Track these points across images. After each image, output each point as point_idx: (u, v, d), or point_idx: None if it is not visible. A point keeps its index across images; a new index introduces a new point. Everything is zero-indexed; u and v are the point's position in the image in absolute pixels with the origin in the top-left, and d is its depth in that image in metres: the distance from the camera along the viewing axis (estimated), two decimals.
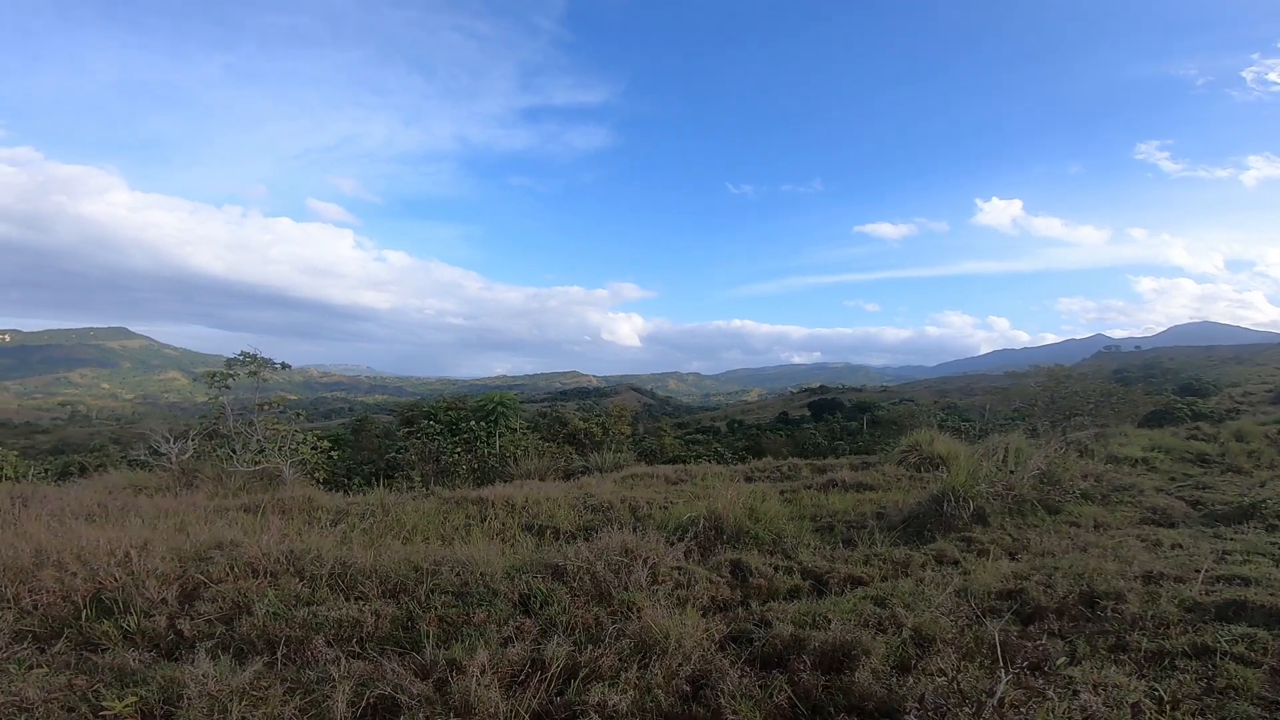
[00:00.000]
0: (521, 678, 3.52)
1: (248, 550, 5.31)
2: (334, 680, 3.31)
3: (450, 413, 26.32)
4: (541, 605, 4.81)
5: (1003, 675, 2.93)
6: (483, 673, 3.38)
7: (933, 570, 5.70)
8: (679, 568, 5.80)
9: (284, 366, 17.80)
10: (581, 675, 3.55)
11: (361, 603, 4.61)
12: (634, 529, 8.31)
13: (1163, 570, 4.93)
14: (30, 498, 8.82)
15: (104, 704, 3.14)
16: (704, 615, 4.65)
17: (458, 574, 5.25)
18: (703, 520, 7.67)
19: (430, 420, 25.69)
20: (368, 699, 3.24)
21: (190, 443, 14.95)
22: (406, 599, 4.79)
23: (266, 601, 4.40)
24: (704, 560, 6.33)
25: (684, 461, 23.02)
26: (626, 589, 5.20)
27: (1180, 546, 6.23)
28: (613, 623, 4.24)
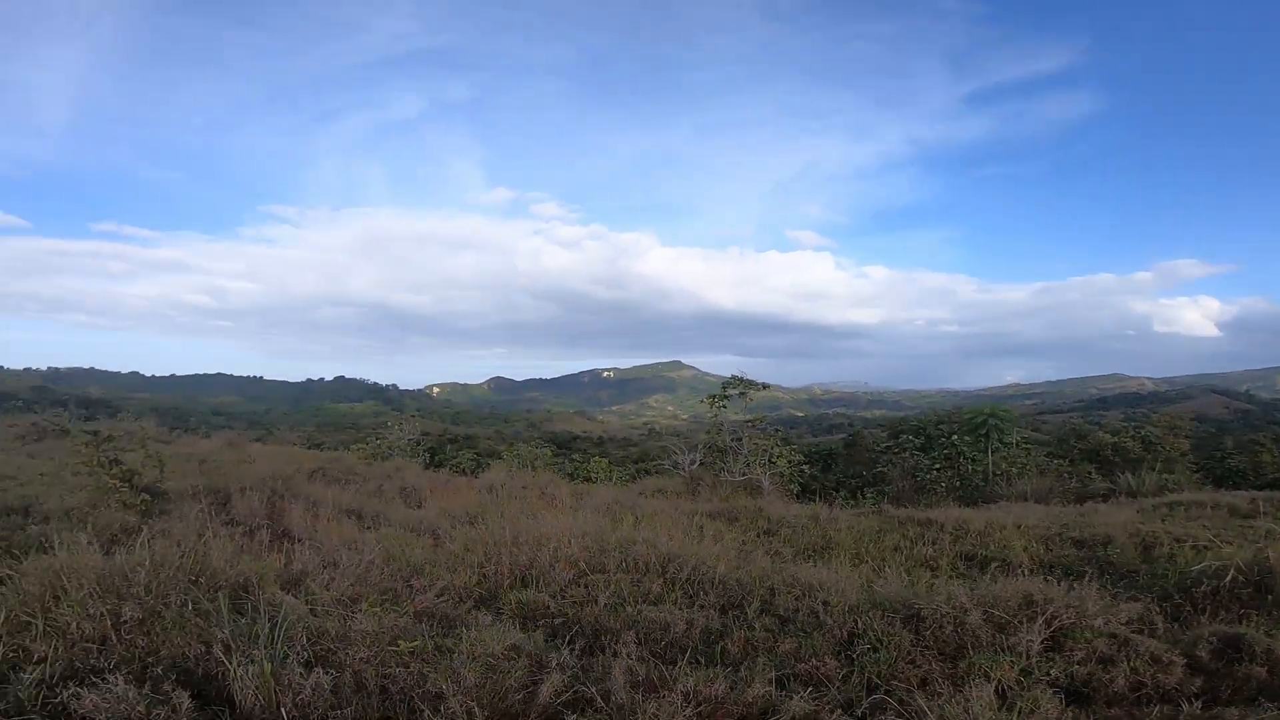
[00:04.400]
0: None
1: (639, 550, 5.93)
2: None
3: (941, 426, 24.19)
4: (871, 650, 4.02)
5: None
6: None
7: None
8: (1114, 635, 3.97)
9: (765, 387, 19.65)
10: None
11: (690, 609, 4.67)
12: (1124, 575, 6.07)
13: None
14: (558, 494, 11.76)
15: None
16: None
17: (796, 595, 4.86)
18: (1233, 572, 5.13)
19: (910, 436, 24.26)
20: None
21: (697, 455, 17.92)
22: (735, 613, 4.68)
23: (609, 591, 4.97)
24: (1179, 631, 4.18)
25: None
26: (1003, 650, 3.88)
27: None
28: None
